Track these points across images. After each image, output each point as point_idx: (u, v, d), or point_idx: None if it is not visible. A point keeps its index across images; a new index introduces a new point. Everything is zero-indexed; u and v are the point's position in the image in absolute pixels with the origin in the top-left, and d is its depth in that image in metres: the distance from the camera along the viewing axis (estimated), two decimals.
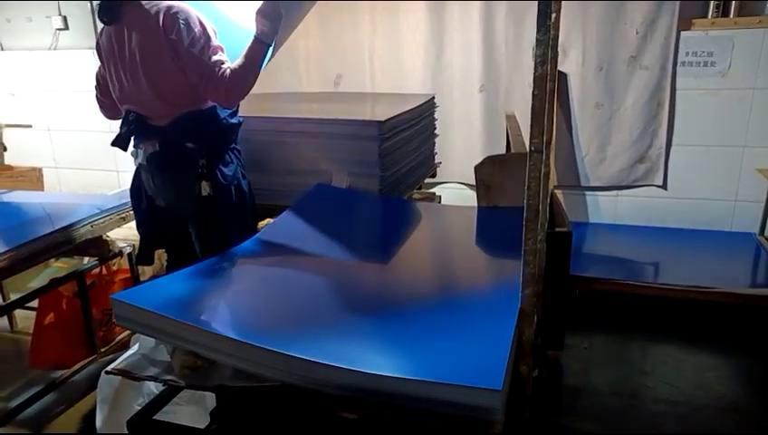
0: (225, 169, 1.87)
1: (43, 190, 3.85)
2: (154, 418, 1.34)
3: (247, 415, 1.36)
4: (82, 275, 2.31)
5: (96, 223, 2.30)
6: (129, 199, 2.09)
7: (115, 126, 1.95)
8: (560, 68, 3.01)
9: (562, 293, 2.13)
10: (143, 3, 1.76)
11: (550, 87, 1.20)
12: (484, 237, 1.78)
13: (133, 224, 2.43)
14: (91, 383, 2.34)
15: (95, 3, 3.75)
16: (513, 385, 1.09)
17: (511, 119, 2.82)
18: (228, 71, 1.71)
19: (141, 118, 1.85)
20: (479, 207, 1.89)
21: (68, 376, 2.31)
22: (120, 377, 1.26)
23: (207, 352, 1.14)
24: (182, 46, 1.71)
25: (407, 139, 2.15)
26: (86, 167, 4.06)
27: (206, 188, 1.85)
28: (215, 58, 1.73)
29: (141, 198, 2.00)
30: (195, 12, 1.76)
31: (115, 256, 2.43)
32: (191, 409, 1.85)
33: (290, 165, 2.05)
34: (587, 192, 3.26)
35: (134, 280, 2.58)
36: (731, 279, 2.57)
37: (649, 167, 3.11)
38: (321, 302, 1.33)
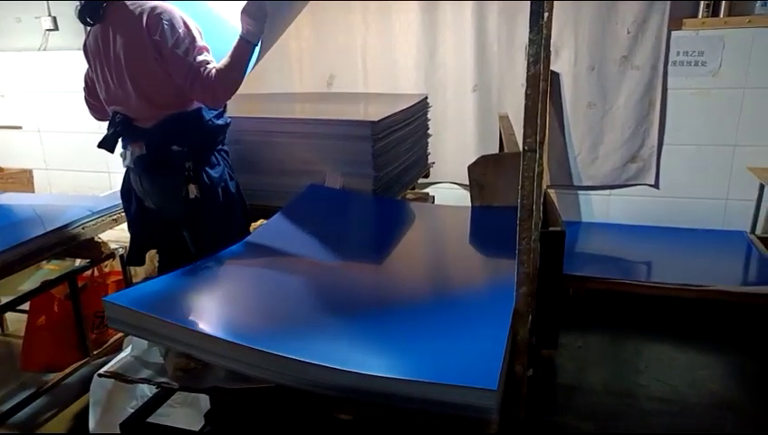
0: (211, 172, 1.86)
1: (33, 192, 3.83)
2: (147, 420, 1.33)
3: (241, 417, 1.35)
4: (74, 277, 2.30)
5: (88, 225, 2.28)
6: (121, 201, 2.08)
7: (105, 127, 1.93)
8: (552, 68, 3.01)
9: (556, 292, 2.14)
10: (127, 3, 1.74)
11: (543, 87, 1.20)
12: (478, 237, 1.78)
13: (125, 225, 2.42)
14: (84, 386, 2.33)
15: (78, 5, 3.73)
16: (507, 385, 1.10)
17: (504, 119, 2.83)
18: (214, 71, 1.69)
19: (128, 119, 1.84)
20: (473, 206, 1.90)
21: (60, 379, 2.29)
22: (112, 380, 1.26)
23: (201, 353, 1.14)
24: (166, 47, 1.69)
25: (400, 139, 2.15)
26: (77, 168, 4.03)
27: (193, 191, 1.83)
28: (200, 58, 1.70)
29: (131, 200, 1.99)
30: (179, 12, 1.74)
31: (107, 257, 2.42)
32: (185, 411, 1.85)
33: (283, 165, 2.04)
34: (579, 191, 3.27)
35: (126, 282, 2.56)
36: (723, 277, 2.59)
37: (641, 166, 3.13)
38: (314, 303, 1.33)
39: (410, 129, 2.26)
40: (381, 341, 1.15)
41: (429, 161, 2.63)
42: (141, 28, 1.70)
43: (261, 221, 1.85)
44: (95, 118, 2.05)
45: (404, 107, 2.17)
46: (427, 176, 2.63)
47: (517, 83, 3.12)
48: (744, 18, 2.82)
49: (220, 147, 1.92)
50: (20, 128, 4.08)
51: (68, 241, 2.19)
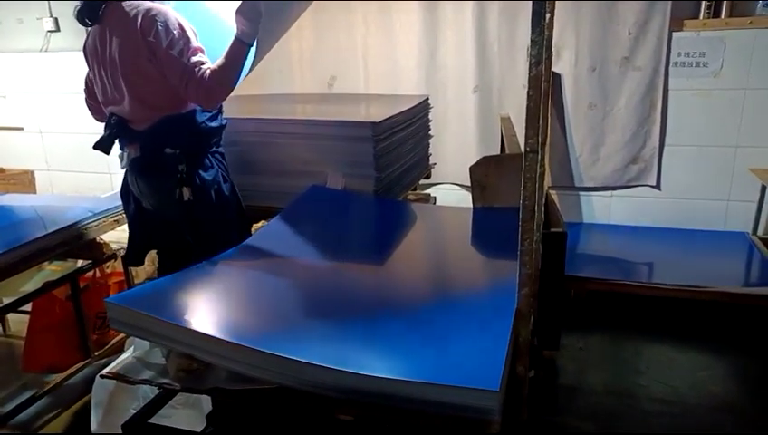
0: (204, 174, 1.85)
1: (35, 193, 3.84)
2: (149, 421, 1.33)
3: (243, 418, 1.35)
4: (76, 278, 2.30)
5: (89, 226, 2.28)
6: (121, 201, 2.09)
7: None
8: (553, 69, 3.02)
9: (557, 293, 2.14)
10: (124, 4, 1.75)
11: (544, 88, 1.20)
12: (480, 238, 1.78)
13: (127, 226, 2.42)
14: (86, 387, 2.33)
15: (76, 6, 3.73)
16: (509, 385, 1.10)
17: (505, 120, 2.83)
18: (208, 71, 1.69)
19: (123, 121, 1.85)
20: (474, 207, 1.90)
21: (62, 380, 2.29)
22: (114, 380, 1.26)
23: (203, 354, 1.14)
24: (161, 48, 1.69)
25: (401, 140, 2.15)
26: (78, 169, 4.04)
27: (186, 193, 1.83)
28: (194, 59, 1.70)
29: (130, 201, 2.00)
30: (174, 14, 1.74)
31: (109, 258, 2.42)
32: (187, 412, 1.85)
33: (284, 167, 2.04)
34: (581, 193, 3.27)
35: (128, 283, 2.57)
36: (724, 278, 2.59)
37: (643, 167, 3.12)
38: (316, 304, 1.33)
39: (411, 130, 2.26)
40: (383, 342, 1.15)
41: (431, 162, 2.63)
42: (136, 29, 1.70)
43: (262, 222, 1.85)
44: (96, 119, 2.05)
45: (405, 108, 2.17)
46: (428, 177, 2.63)
47: (518, 84, 3.12)
48: (746, 19, 2.82)
49: (214, 149, 1.92)
50: (22, 129, 4.09)
51: (70, 242, 2.19)
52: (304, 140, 2.01)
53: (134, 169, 1.87)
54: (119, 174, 1.98)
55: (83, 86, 2.02)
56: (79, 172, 4.04)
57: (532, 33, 1.01)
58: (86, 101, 2.05)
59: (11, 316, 2.81)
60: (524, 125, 1.06)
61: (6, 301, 2.26)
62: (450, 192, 3.40)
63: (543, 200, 1.60)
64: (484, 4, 3.07)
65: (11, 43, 3.97)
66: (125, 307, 1.20)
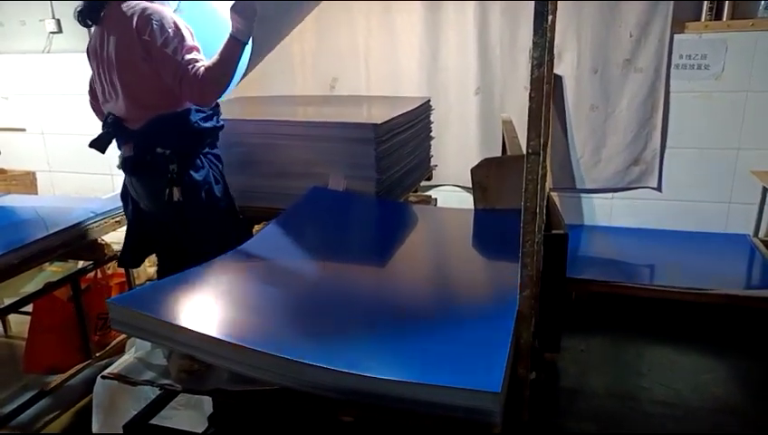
0: (195, 175, 1.84)
1: (36, 194, 3.84)
2: (151, 422, 1.33)
3: (245, 419, 1.35)
4: (77, 278, 2.30)
5: (91, 226, 2.29)
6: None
7: None
8: (555, 71, 3.02)
9: (559, 295, 2.13)
10: (122, 5, 1.76)
11: (546, 89, 1.20)
12: (481, 240, 1.78)
13: None
14: (87, 388, 2.33)
15: (77, 6, 3.74)
16: (510, 388, 1.09)
17: (506, 122, 2.83)
18: (202, 69, 1.69)
19: (118, 120, 1.86)
20: (476, 209, 1.90)
21: (63, 380, 2.29)
22: (116, 381, 1.26)
23: (204, 355, 1.14)
24: (155, 47, 1.70)
25: (403, 141, 2.15)
26: (80, 170, 4.04)
27: (176, 194, 1.82)
28: (188, 57, 1.71)
29: (128, 202, 2.01)
30: (170, 13, 1.76)
31: (110, 259, 2.42)
32: (189, 413, 1.85)
33: (286, 168, 2.04)
34: (582, 194, 3.27)
35: (129, 284, 2.57)
36: (725, 281, 2.58)
37: (644, 169, 3.12)
38: (318, 305, 1.33)
39: (413, 131, 2.26)
40: (384, 343, 1.15)
41: (432, 164, 2.63)
42: (131, 29, 1.72)
43: (264, 223, 1.85)
44: (100, 120, 2.06)
45: (407, 110, 2.17)
46: (429, 178, 2.63)
47: (520, 86, 3.12)
48: (747, 21, 2.82)
49: (208, 150, 1.91)
50: (24, 130, 4.09)
51: (71, 243, 2.19)
52: (306, 141, 2.02)
53: (125, 167, 1.88)
54: (120, 175, 1.98)
55: (88, 87, 2.03)
56: (80, 173, 4.05)
57: (534, 34, 1.01)
58: (90, 102, 2.06)
59: (12, 317, 2.81)
60: (526, 127, 1.06)
61: (8, 301, 2.26)
62: (451, 194, 3.40)
63: (545, 202, 1.60)
64: (486, 6, 3.07)
65: (13, 45, 3.98)
66: (126, 308, 1.20)
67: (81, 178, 4.05)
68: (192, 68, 1.69)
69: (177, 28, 1.72)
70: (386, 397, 1.01)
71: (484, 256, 1.67)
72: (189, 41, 1.74)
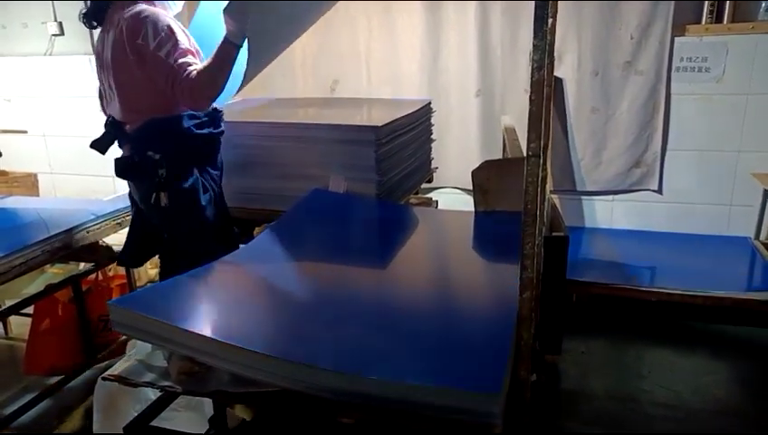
0: (183, 182, 1.82)
1: (38, 196, 3.85)
2: (151, 424, 1.33)
3: (245, 421, 1.35)
4: (78, 280, 2.31)
5: (92, 228, 2.29)
6: (126, 205, 2.10)
7: None
8: (555, 73, 3.02)
9: (559, 297, 2.13)
10: (121, 7, 1.75)
11: (546, 92, 1.20)
12: (482, 242, 1.78)
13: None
14: (88, 389, 2.33)
15: (82, 8, 3.75)
16: (511, 390, 1.09)
17: (507, 124, 2.83)
18: (195, 72, 1.67)
19: (117, 122, 1.86)
20: (476, 211, 1.90)
21: (64, 382, 2.30)
22: (116, 383, 1.26)
23: (205, 357, 1.14)
24: (148, 50, 1.69)
25: (403, 144, 2.15)
26: (82, 172, 4.04)
27: (163, 199, 1.82)
28: (181, 60, 1.69)
29: (133, 202, 2.01)
30: (165, 15, 1.75)
31: (111, 261, 2.42)
32: (189, 415, 1.85)
33: (286, 170, 2.05)
34: (583, 197, 3.27)
35: (130, 286, 2.57)
36: (726, 283, 2.58)
37: (645, 171, 3.12)
38: (318, 306, 1.33)
39: (414, 134, 2.26)
40: (385, 345, 1.16)
41: (433, 166, 2.63)
42: (125, 31, 1.71)
43: (265, 226, 1.85)
44: None
45: (407, 112, 2.17)
46: (430, 181, 2.63)
47: (520, 88, 3.13)
48: (748, 24, 2.82)
49: (203, 158, 1.87)
50: (25, 132, 4.10)
51: (72, 245, 2.20)
52: (306, 143, 2.02)
53: (115, 169, 1.85)
54: None
55: (97, 90, 2.04)
56: (82, 175, 4.05)
57: (535, 37, 1.01)
58: (100, 104, 2.06)
59: (13, 319, 2.82)
60: (526, 129, 1.06)
61: (9, 303, 2.26)
62: (452, 196, 3.40)
63: (545, 204, 1.60)
64: (487, 7, 3.07)
65: (15, 47, 3.99)
66: (127, 310, 1.20)
67: (83, 180, 4.05)
68: (184, 72, 1.68)
69: (170, 31, 1.70)
70: (387, 399, 1.01)
71: (485, 258, 1.67)
72: (184, 44, 1.72)
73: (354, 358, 1.08)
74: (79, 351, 2.40)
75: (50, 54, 3.92)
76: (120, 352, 2.46)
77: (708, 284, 2.55)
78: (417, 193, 2.53)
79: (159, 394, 1.37)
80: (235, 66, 1.71)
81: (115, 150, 1.93)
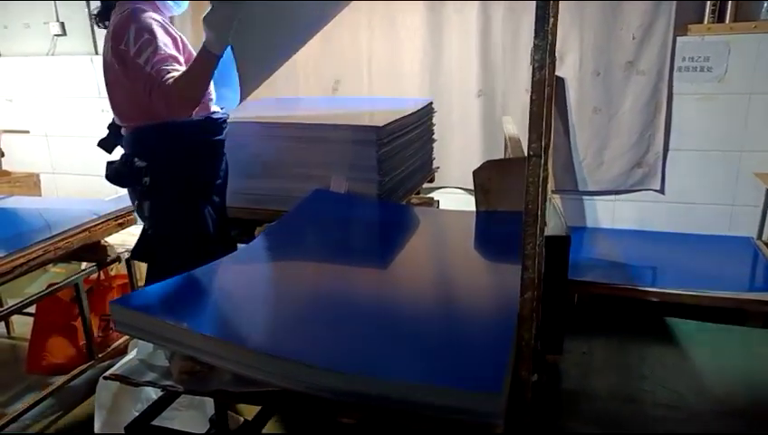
0: (162, 191, 1.78)
1: (40, 196, 3.85)
2: (152, 423, 1.33)
3: (246, 421, 1.36)
4: (80, 280, 2.31)
5: (94, 228, 2.29)
6: (127, 204, 2.09)
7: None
8: (557, 73, 3.02)
9: (561, 297, 2.13)
10: (119, 7, 1.72)
11: (547, 92, 1.20)
12: (483, 242, 1.78)
13: (131, 229, 2.44)
14: (89, 389, 2.34)
15: (93, 9, 3.76)
16: (512, 390, 1.09)
17: (509, 124, 2.83)
18: (172, 80, 1.61)
19: (117, 125, 1.86)
20: (477, 211, 1.90)
21: (66, 381, 2.30)
22: (118, 382, 1.26)
23: (206, 357, 1.14)
24: (129, 56, 1.64)
25: (405, 144, 2.15)
26: (83, 172, 4.05)
27: (146, 208, 1.82)
28: (160, 66, 1.62)
29: None
30: (153, 17, 1.68)
31: (113, 261, 2.43)
32: (190, 414, 1.85)
33: (288, 170, 2.05)
34: (585, 197, 3.26)
35: (132, 285, 2.58)
36: (729, 283, 2.58)
37: (647, 171, 3.12)
38: (319, 306, 1.33)
39: (415, 134, 2.26)
40: (385, 345, 1.16)
41: (434, 166, 2.63)
42: (111, 35, 1.69)
43: (266, 225, 1.85)
44: None
45: (409, 112, 2.18)
46: (431, 181, 2.63)
47: (522, 88, 3.12)
48: (750, 24, 2.82)
49: (193, 168, 1.81)
50: (27, 132, 4.11)
51: (74, 245, 2.20)
52: (307, 143, 2.02)
53: (105, 172, 1.83)
54: None
55: None
56: (84, 175, 4.06)
57: (536, 37, 1.01)
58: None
59: (15, 318, 2.82)
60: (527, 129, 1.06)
61: (11, 302, 2.27)
62: (454, 196, 3.40)
63: (546, 204, 1.60)
64: (489, 8, 3.07)
65: (18, 47, 4.00)
66: (129, 310, 1.20)
67: (85, 180, 4.06)
68: (161, 78, 1.61)
69: (152, 35, 1.64)
70: (387, 399, 1.01)
71: (486, 258, 1.67)
72: (165, 49, 1.65)
73: (355, 358, 1.08)
74: (81, 350, 2.41)
75: (52, 54, 3.93)
76: (121, 351, 2.47)
77: (710, 284, 2.55)
78: (418, 193, 2.53)
79: (161, 394, 1.37)
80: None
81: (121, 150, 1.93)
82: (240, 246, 1.88)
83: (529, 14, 2.94)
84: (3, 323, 2.87)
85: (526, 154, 1.07)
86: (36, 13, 3.86)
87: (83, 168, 4.04)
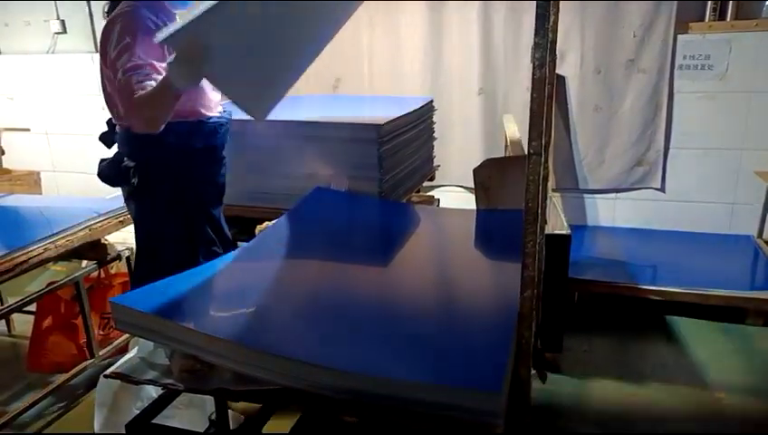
0: (151, 195, 1.75)
1: (41, 194, 3.85)
2: (153, 421, 1.33)
3: (247, 419, 1.36)
4: (81, 278, 2.31)
5: (94, 226, 2.29)
6: None
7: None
8: (558, 71, 3.02)
9: (561, 295, 2.13)
10: (122, 4, 1.67)
11: (548, 90, 1.20)
12: (483, 240, 1.78)
13: (131, 227, 2.43)
14: (90, 387, 2.34)
15: (93, 7, 3.76)
16: (512, 388, 1.10)
17: (509, 122, 2.83)
18: (136, 96, 1.51)
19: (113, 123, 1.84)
20: (478, 209, 1.90)
21: (66, 380, 2.30)
22: (118, 381, 1.26)
23: (206, 355, 1.14)
24: (110, 59, 1.59)
25: (406, 142, 2.15)
26: (84, 170, 4.05)
27: (131, 208, 1.81)
28: (130, 75, 1.53)
29: None
30: (144, 20, 1.60)
31: (113, 259, 2.43)
32: (191, 412, 1.85)
33: (289, 168, 2.05)
34: (585, 195, 3.26)
35: (133, 284, 2.57)
36: (729, 282, 2.58)
37: (648, 170, 3.12)
38: (320, 305, 1.33)
39: (416, 132, 2.26)
40: (386, 343, 1.16)
41: (435, 164, 2.63)
42: (102, 36, 1.64)
43: (267, 224, 1.85)
44: None
45: (410, 110, 2.17)
46: (432, 179, 2.63)
47: (522, 86, 3.12)
48: (751, 22, 2.81)
49: (184, 172, 1.76)
50: (28, 130, 4.11)
51: (74, 243, 2.20)
52: (308, 141, 2.02)
53: (97, 169, 1.82)
54: None
55: None
56: (84, 174, 4.05)
57: (536, 35, 1.01)
58: None
59: (16, 316, 2.83)
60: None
61: (11, 301, 2.27)
62: (454, 194, 3.40)
63: (546, 203, 1.60)
64: (489, 6, 3.07)
65: (18, 45, 4.00)
66: (129, 308, 1.20)
67: (85, 178, 4.05)
68: (128, 91, 1.53)
69: (133, 39, 1.56)
70: (388, 397, 1.01)
71: (487, 256, 1.68)
72: (138, 57, 1.55)
73: (355, 356, 1.08)
74: (81, 348, 2.40)
75: (52, 52, 3.93)
76: (122, 349, 2.47)
77: (711, 282, 2.55)
78: (418, 191, 2.53)
79: (161, 392, 1.37)
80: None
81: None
82: (241, 244, 1.88)
83: (530, 12, 2.94)
84: (3, 322, 2.87)
85: (526, 152, 1.07)
86: (37, 11, 3.86)
87: (84, 166, 4.03)
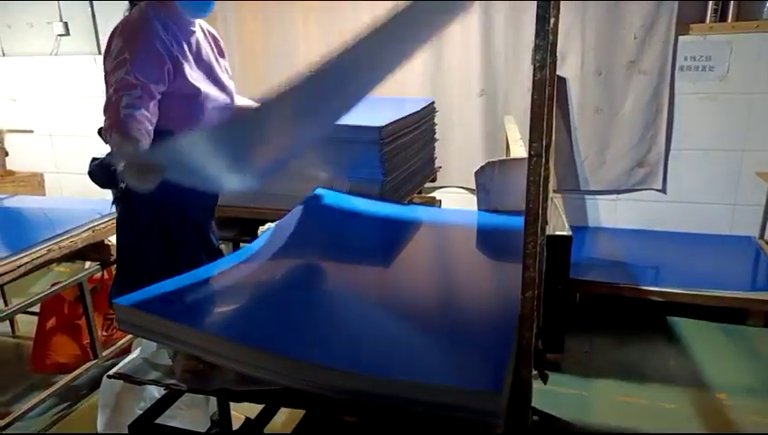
0: (132, 198, 1.71)
1: (44, 195, 3.87)
2: (156, 422, 1.34)
3: (249, 419, 1.36)
4: (84, 279, 2.32)
5: (97, 227, 2.30)
6: None
7: None
8: (559, 73, 3.02)
9: (562, 296, 2.14)
10: (136, 7, 1.67)
11: (549, 92, 1.21)
12: (485, 241, 1.79)
13: None
14: (93, 388, 2.35)
15: (97, 8, 3.78)
16: (513, 389, 1.10)
17: (510, 123, 2.83)
18: (119, 119, 1.50)
19: None
20: (479, 211, 1.90)
21: (70, 380, 2.31)
22: (121, 381, 1.27)
23: (209, 355, 1.15)
24: (108, 69, 1.57)
25: (407, 143, 2.15)
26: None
27: (117, 212, 1.82)
28: (120, 95, 1.51)
29: None
30: (150, 29, 1.57)
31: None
32: (193, 413, 1.86)
33: (290, 169, 2.05)
34: (587, 196, 3.27)
35: None
36: (730, 283, 2.58)
37: (649, 171, 3.12)
38: (321, 305, 1.34)
39: (417, 133, 2.27)
40: (387, 343, 1.16)
41: (436, 166, 2.64)
42: (107, 40, 1.63)
43: (268, 225, 1.86)
44: None
45: (411, 112, 2.18)
46: (433, 180, 2.64)
47: (523, 88, 3.13)
48: (752, 23, 2.82)
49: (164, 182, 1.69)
50: (32, 132, 4.12)
51: (78, 244, 2.21)
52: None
53: (88, 167, 1.80)
54: None
55: None
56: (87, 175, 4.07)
57: (537, 37, 1.01)
58: None
59: (20, 317, 2.83)
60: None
61: (15, 302, 2.28)
62: (455, 195, 3.41)
63: (547, 204, 1.60)
64: (490, 8, 3.07)
65: (21, 47, 4.01)
66: (132, 309, 1.21)
67: (89, 180, 4.07)
68: (114, 109, 1.51)
69: (132, 54, 1.52)
70: (389, 397, 1.01)
71: (488, 257, 1.68)
72: (130, 74, 1.52)
73: (357, 356, 1.09)
74: (84, 349, 2.41)
75: (55, 54, 3.94)
76: (125, 350, 2.48)
77: (712, 283, 2.55)
78: (420, 192, 2.54)
79: (164, 392, 1.38)
80: None
81: None
82: (242, 245, 1.88)
83: (530, 13, 2.94)
84: (7, 323, 2.88)
85: (527, 154, 1.07)
86: (40, 12, 3.87)
87: (87, 167, 4.05)
